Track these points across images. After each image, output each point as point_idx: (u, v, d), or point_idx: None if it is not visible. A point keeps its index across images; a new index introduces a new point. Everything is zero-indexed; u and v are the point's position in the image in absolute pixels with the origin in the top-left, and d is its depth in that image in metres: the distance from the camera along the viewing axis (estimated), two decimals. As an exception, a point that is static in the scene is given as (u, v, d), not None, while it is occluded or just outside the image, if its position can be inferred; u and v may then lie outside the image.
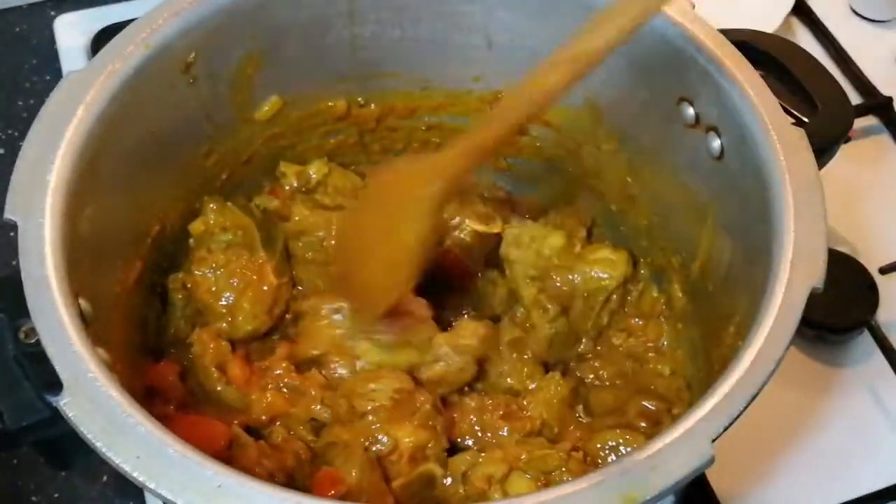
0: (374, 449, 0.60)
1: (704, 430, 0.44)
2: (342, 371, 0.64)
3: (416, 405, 0.62)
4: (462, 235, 0.69)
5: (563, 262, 0.67)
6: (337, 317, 0.65)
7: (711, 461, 0.43)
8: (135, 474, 0.41)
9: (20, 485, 0.68)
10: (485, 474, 0.59)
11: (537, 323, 0.67)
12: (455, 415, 0.64)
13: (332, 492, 0.57)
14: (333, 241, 0.68)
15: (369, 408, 0.61)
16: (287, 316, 0.68)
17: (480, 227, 0.69)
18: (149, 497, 0.67)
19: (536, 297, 0.67)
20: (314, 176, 0.72)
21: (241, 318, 0.64)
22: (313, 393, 0.63)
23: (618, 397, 0.65)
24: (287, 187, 0.71)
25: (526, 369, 0.66)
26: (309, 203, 0.71)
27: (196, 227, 0.67)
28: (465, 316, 0.70)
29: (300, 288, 0.69)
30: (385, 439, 0.60)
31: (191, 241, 0.67)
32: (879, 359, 0.73)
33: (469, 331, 0.65)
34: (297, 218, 0.70)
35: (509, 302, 0.69)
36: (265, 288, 0.65)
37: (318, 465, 0.60)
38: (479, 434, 0.64)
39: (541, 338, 0.67)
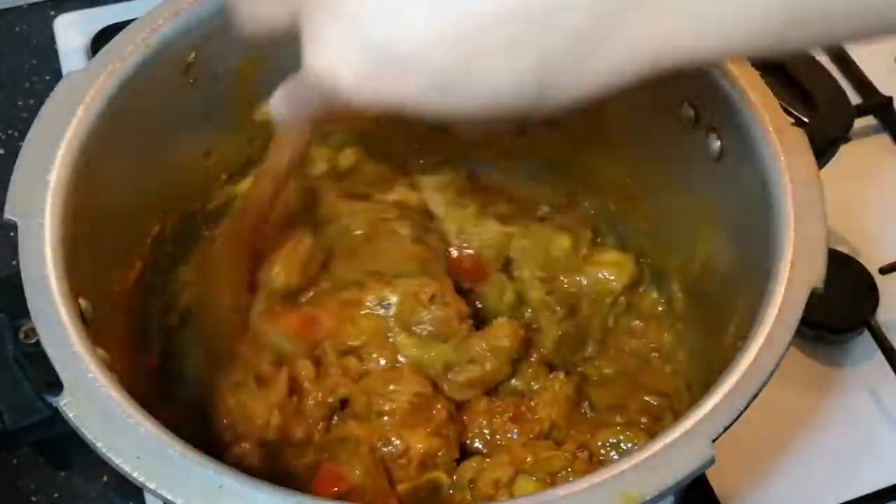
0: (384, 450, 0.60)
1: (705, 429, 0.44)
2: (382, 363, 0.64)
3: (433, 412, 0.62)
4: (485, 237, 0.69)
5: (570, 264, 0.67)
6: (381, 310, 0.65)
7: (712, 461, 0.43)
8: (135, 474, 0.41)
9: (20, 485, 0.68)
10: (491, 479, 0.59)
11: (544, 325, 0.67)
12: (465, 417, 0.64)
13: (335, 489, 0.57)
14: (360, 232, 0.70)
15: (387, 408, 0.61)
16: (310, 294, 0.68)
17: (503, 228, 0.69)
18: (148, 497, 0.67)
19: (544, 300, 0.67)
20: (345, 163, 0.72)
21: (275, 271, 0.64)
22: (335, 378, 0.63)
23: (620, 394, 0.65)
24: (316, 172, 0.71)
25: (530, 370, 0.66)
26: (337, 190, 0.71)
27: (241, 188, 0.68)
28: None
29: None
30: (397, 442, 0.60)
31: (237, 202, 0.68)
32: (879, 359, 0.73)
33: (505, 331, 0.65)
34: (323, 205, 0.70)
35: (517, 304, 0.69)
36: (300, 247, 0.66)
37: (321, 456, 0.60)
38: (489, 437, 0.63)
39: (548, 340, 0.67)
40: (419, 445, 0.60)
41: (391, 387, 0.62)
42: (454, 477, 0.61)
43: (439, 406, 0.62)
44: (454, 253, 0.70)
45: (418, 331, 0.64)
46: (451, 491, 0.60)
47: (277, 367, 0.63)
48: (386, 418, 0.61)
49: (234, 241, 0.65)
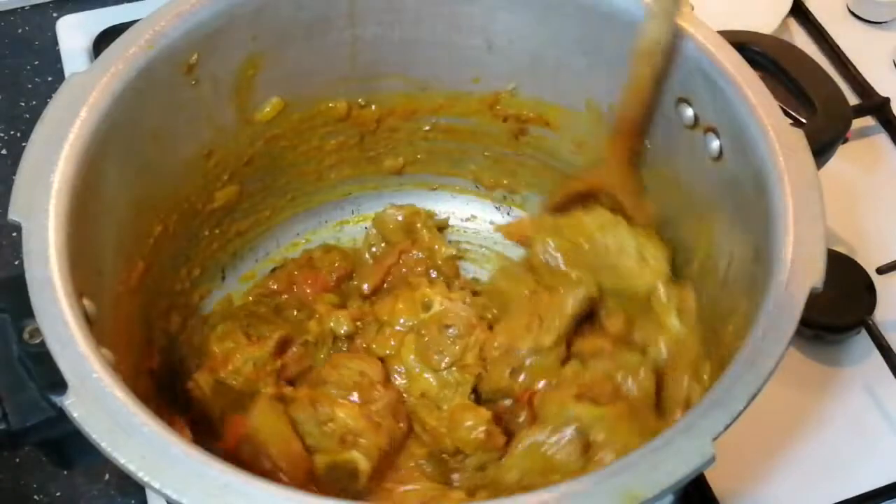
0: (312, 411, 0.61)
1: (706, 428, 0.44)
2: (385, 349, 0.67)
3: (374, 396, 0.63)
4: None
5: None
6: (421, 308, 0.67)
7: (713, 460, 0.43)
8: (140, 474, 0.42)
9: (22, 483, 0.69)
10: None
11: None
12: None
13: (239, 433, 0.59)
14: None
15: (332, 379, 0.63)
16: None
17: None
18: (150, 494, 0.67)
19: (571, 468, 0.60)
20: None
21: None
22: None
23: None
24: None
25: (509, 449, 0.62)
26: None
27: None
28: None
29: None
30: (326, 409, 0.61)
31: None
32: (877, 358, 0.73)
33: (481, 441, 0.63)
34: None
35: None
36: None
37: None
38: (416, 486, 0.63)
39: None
40: (344, 416, 0.60)
41: (346, 363, 0.64)
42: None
43: (378, 394, 0.63)
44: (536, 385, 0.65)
45: (424, 347, 0.65)
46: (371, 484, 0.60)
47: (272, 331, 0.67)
48: (329, 386, 0.63)
49: (622, 134, 0.66)
